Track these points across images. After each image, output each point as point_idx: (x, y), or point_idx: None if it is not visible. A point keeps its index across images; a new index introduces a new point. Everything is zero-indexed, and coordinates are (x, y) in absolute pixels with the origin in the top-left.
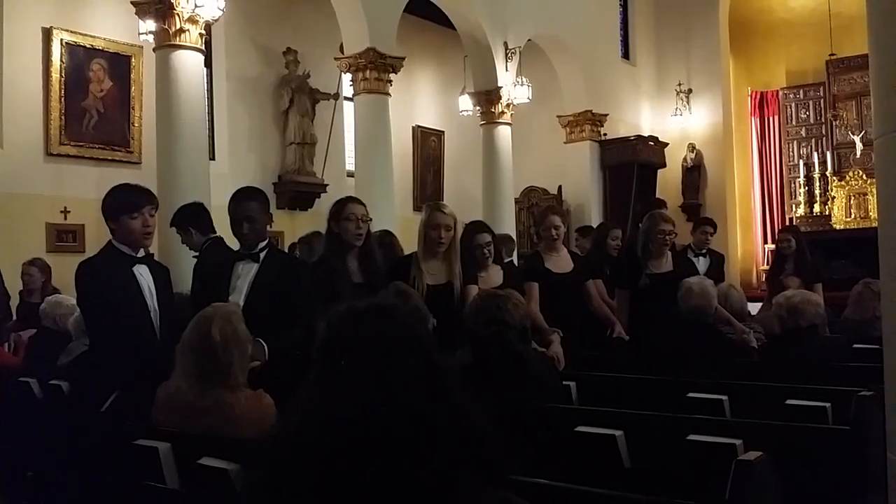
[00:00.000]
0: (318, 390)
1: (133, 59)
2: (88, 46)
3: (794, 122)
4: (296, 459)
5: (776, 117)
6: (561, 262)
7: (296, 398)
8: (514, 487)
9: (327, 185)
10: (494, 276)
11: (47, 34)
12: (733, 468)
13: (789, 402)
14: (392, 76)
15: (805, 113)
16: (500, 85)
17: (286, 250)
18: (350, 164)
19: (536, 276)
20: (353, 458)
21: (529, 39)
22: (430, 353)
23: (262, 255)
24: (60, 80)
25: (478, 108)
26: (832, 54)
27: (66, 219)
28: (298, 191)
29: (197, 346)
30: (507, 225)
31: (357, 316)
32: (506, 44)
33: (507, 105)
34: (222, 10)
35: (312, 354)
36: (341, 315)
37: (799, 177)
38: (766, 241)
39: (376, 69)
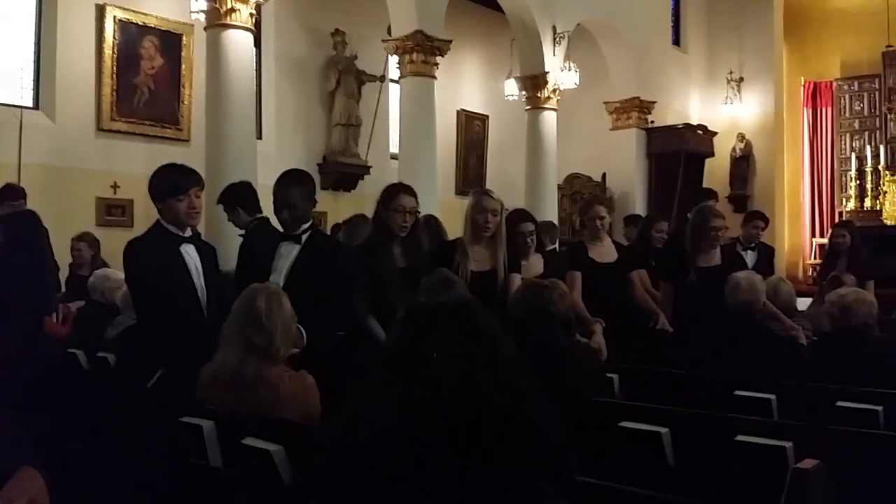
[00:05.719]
0: (399, 382)
1: (184, 38)
2: (141, 24)
3: (847, 114)
4: (370, 448)
5: (829, 108)
6: (605, 251)
7: (366, 387)
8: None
9: (371, 166)
10: (535, 264)
11: (101, 11)
12: (789, 477)
13: (839, 403)
14: (439, 59)
15: (859, 105)
16: (546, 70)
17: (329, 232)
18: (394, 147)
19: (580, 265)
20: (437, 450)
21: (578, 24)
22: (510, 352)
23: (303, 237)
24: (113, 57)
25: (523, 92)
26: (889, 46)
27: (115, 193)
28: (342, 172)
29: (242, 314)
30: (550, 212)
31: (441, 311)
32: (554, 28)
33: (554, 90)
34: None
35: (387, 346)
36: (424, 309)
37: (850, 170)
38: (814, 235)
39: (423, 52)
